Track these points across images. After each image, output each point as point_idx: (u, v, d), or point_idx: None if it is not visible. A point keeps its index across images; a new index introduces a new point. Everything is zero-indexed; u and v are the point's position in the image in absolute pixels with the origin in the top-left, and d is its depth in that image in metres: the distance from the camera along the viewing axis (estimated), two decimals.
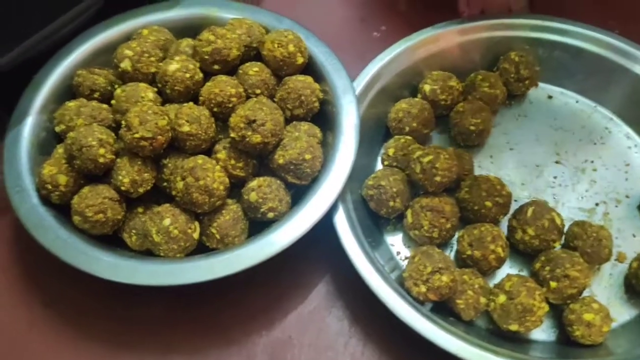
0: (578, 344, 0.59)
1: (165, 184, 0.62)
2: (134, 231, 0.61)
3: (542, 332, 0.62)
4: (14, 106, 0.67)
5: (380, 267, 0.61)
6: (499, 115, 0.77)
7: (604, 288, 0.64)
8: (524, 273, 0.65)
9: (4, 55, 0.67)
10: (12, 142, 0.64)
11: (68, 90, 0.69)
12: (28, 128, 0.65)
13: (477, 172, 0.72)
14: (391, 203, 0.65)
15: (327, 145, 0.66)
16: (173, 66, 0.65)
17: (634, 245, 0.67)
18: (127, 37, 0.72)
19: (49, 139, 0.67)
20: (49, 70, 0.69)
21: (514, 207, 0.66)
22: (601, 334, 0.58)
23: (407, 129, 0.71)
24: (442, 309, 0.61)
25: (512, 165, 0.73)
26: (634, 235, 0.68)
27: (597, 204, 0.70)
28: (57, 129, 0.65)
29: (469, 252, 0.62)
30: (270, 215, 0.61)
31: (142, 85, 0.65)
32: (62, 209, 0.61)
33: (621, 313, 0.63)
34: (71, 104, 0.66)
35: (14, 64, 0.68)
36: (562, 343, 0.61)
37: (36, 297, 0.63)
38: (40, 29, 0.70)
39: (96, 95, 0.68)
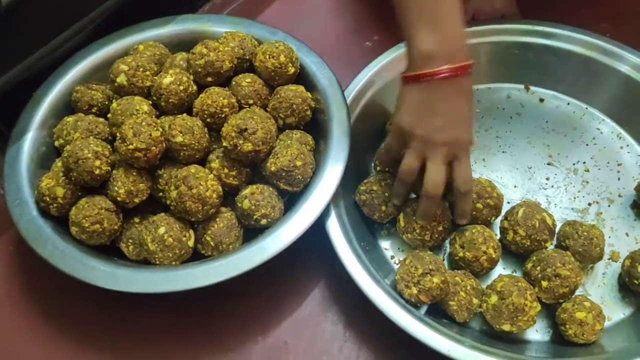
0: (572, 343, 0.60)
1: (160, 194, 0.64)
2: (130, 241, 0.62)
3: (536, 332, 0.62)
4: (14, 122, 0.69)
5: (374, 271, 0.61)
6: (491, 118, 0.77)
7: (597, 287, 0.65)
8: (517, 274, 0.65)
9: (5, 72, 0.70)
10: (12, 157, 0.66)
11: (67, 106, 0.71)
12: (28, 143, 0.67)
13: None
14: (383, 207, 0.65)
15: (319, 153, 0.67)
16: (167, 79, 0.66)
17: (628, 244, 0.67)
18: (124, 53, 0.74)
19: (49, 154, 0.68)
20: (48, 87, 0.71)
21: (507, 209, 0.67)
22: (594, 333, 0.58)
23: None
24: (436, 311, 0.62)
25: (505, 168, 0.73)
26: (627, 234, 0.68)
27: (589, 204, 0.70)
28: (56, 143, 0.67)
29: (461, 254, 0.63)
30: (264, 222, 0.62)
31: (137, 98, 0.67)
32: (60, 221, 0.62)
33: (615, 311, 0.63)
34: (69, 119, 0.68)
35: (15, 81, 0.71)
36: (556, 342, 0.61)
37: (37, 307, 0.64)
38: (40, 48, 0.72)
39: (94, 110, 0.70)
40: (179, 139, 0.62)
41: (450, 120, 0.57)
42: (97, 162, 0.61)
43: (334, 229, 0.62)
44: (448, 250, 0.67)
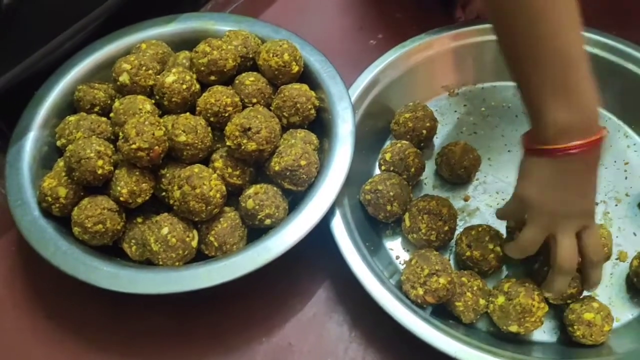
0: (580, 344, 0.59)
1: (163, 193, 0.63)
2: (133, 241, 0.62)
3: (544, 333, 0.61)
4: (16, 122, 0.68)
5: (379, 271, 0.61)
6: (496, 117, 0.77)
7: (605, 288, 0.64)
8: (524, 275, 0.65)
9: (6, 71, 0.69)
10: (14, 156, 0.65)
11: (69, 105, 0.71)
12: (30, 143, 0.67)
13: (476, 174, 0.72)
14: (388, 207, 0.65)
15: (323, 152, 0.66)
16: (170, 78, 0.66)
17: (635, 244, 0.66)
18: (127, 52, 0.73)
19: (51, 154, 0.68)
20: (50, 86, 0.71)
21: None
22: (602, 334, 0.58)
23: (424, 132, 0.71)
24: (442, 312, 0.61)
25: (511, 167, 0.72)
26: (634, 234, 0.67)
27: (596, 204, 0.69)
28: (58, 143, 0.67)
29: (468, 253, 0.62)
30: (268, 221, 0.61)
31: (140, 97, 0.66)
32: (62, 221, 0.62)
33: (623, 312, 0.62)
34: (71, 118, 0.67)
35: (16, 80, 0.70)
36: (564, 344, 0.61)
37: (39, 308, 0.64)
38: (41, 46, 0.72)
39: (96, 109, 0.69)
40: (182, 138, 0.62)
41: (581, 192, 0.55)
42: (100, 162, 0.60)
43: (339, 229, 0.62)
44: (454, 250, 0.66)
